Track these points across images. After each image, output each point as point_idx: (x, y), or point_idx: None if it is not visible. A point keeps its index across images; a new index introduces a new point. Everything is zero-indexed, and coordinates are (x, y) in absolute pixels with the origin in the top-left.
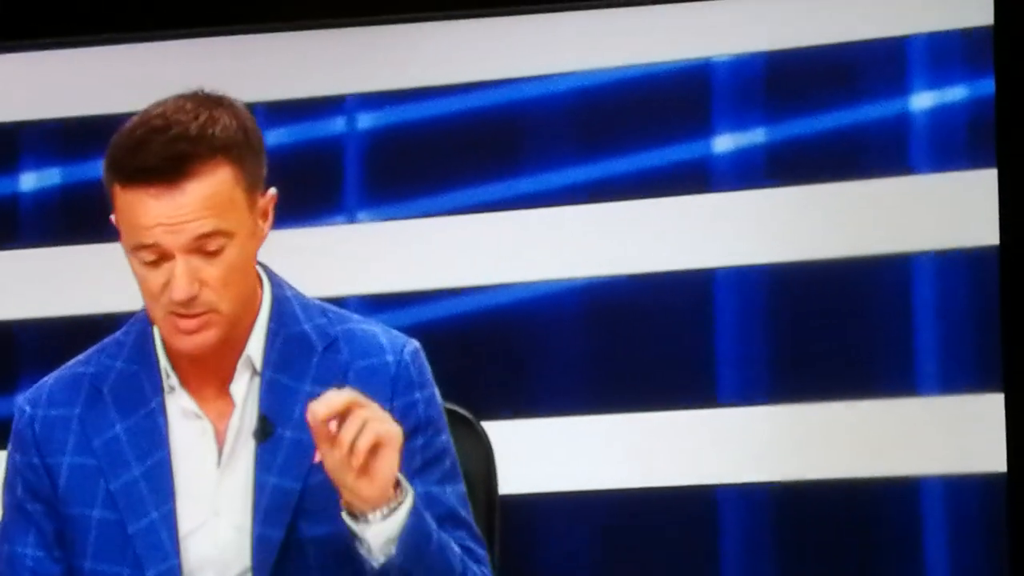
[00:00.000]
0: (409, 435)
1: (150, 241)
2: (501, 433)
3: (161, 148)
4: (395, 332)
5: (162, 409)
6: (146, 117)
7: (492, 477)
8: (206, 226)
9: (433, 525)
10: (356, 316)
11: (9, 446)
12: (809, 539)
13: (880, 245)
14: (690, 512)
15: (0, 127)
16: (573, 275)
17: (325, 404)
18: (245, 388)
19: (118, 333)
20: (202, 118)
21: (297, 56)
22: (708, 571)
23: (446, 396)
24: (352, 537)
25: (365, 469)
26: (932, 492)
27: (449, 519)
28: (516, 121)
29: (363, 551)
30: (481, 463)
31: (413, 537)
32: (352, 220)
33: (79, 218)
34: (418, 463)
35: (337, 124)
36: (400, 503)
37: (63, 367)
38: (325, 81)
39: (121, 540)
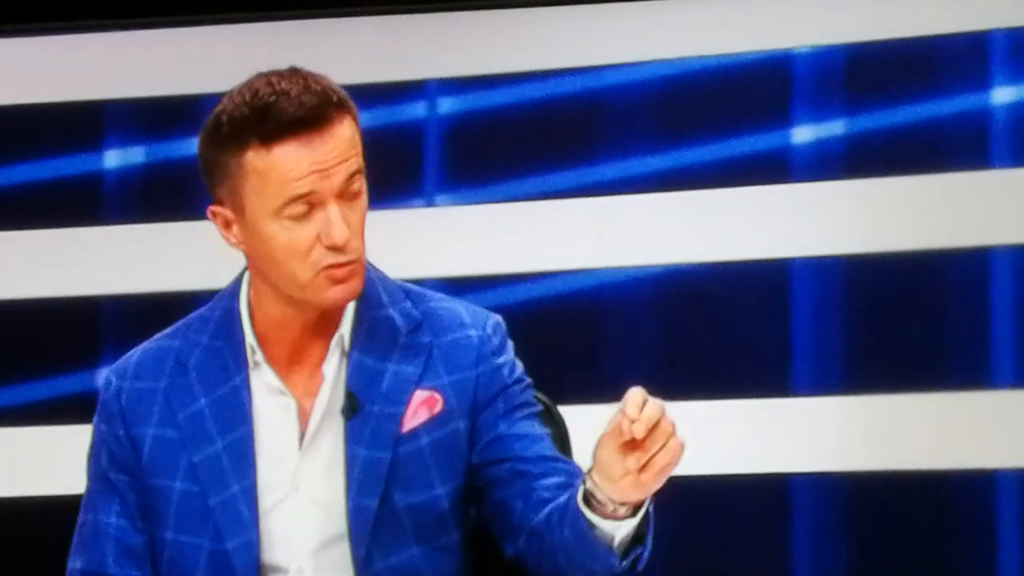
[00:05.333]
0: (499, 392)
1: (304, 190)
2: (578, 418)
3: (299, 103)
4: (477, 308)
5: (246, 384)
6: (253, 87)
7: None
8: (354, 165)
9: None
10: (437, 295)
11: (95, 417)
12: (882, 530)
13: (958, 238)
14: (763, 500)
15: (85, 105)
16: (650, 262)
17: (645, 422)
18: (336, 367)
19: (203, 309)
20: (312, 82)
21: (379, 40)
22: (780, 558)
23: None
24: (589, 528)
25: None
26: (1007, 485)
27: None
28: (595, 108)
29: (597, 541)
30: (557, 447)
31: (648, 531)
32: (431, 204)
33: (163, 196)
34: (518, 401)
35: (418, 108)
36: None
37: (149, 340)
38: (407, 66)
39: (202, 512)
